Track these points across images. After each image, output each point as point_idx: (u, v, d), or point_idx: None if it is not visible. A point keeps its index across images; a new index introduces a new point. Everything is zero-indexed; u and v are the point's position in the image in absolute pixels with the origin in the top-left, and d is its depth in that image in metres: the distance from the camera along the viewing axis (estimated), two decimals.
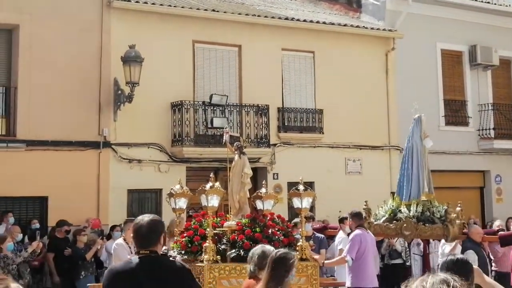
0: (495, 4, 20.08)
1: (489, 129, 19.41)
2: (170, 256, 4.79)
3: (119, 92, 14.19)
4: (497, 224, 12.22)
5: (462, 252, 9.83)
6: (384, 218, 10.67)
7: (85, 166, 13.99)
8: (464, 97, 19.61)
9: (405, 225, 10.33)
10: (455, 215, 10.34)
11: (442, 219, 10.29)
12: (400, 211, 10.60)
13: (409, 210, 10.43)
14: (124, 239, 9.39)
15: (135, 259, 4.46)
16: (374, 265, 10.02)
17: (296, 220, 11.05)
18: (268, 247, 5.94)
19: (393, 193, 17.56)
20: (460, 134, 19.13)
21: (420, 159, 10.80)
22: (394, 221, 10.59)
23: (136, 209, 14.48)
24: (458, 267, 4.10)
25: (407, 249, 14.60)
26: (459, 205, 10.66)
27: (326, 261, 10.75)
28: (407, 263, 13.23)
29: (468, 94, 19.60)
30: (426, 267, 11.35)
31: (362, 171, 17.46)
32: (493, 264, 11.57)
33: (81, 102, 14.10)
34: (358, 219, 10.07)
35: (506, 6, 20.35)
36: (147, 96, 14.44)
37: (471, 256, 9.29)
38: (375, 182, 17.18)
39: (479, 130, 19.46)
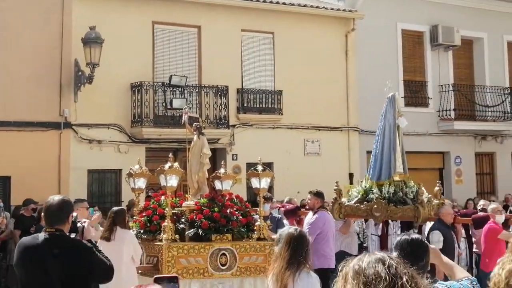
0: None
1: (450, 110, 20.34)
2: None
3: (80, 73, 15.02)
4: (481, 203, 12.20)
5: (429, 232, 10.31)
6: (356, 199, 10.86)
7: (47, 146, 14.90)
8: (424, 78, 20.50)
9: (375, 206, 10.41)
10: (427, 196, 10.49)
11: (414, 200, 10.31)
12: (372, 191, 10.64)
13: (381, 191, 10.44)
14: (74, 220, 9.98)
15: (42, 235, 4.95)
16: (334, 246, 10.69)
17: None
18: (295, 228, 6.41)
19: (351, 174, 18.66)
20: (420, 115, 19.96)
21: (392, 138, 10.85)
22: (365, 202, 10.78)
23: (96, 189, 15.40)
24: (412, 247, 4.22)
25: (364, 230, 15.43)
26: (437, 185, 10.99)
27: None
28: (364, 244, 13.83)
29: (428, 75, 20.50)
30: (383, 248, 11.50)
31: (320, 152, 18.48)
32: (474, 245, 12.02)
33: (42, 83, 14.92)
34: (322, 198, 10.81)
35: None
36: (107, 77, 15.33)
37: (436, 237, 9.86)
38: (333, 163, 18.22)
39: (439, 111, 20.38)
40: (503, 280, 3.18)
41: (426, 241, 4.41)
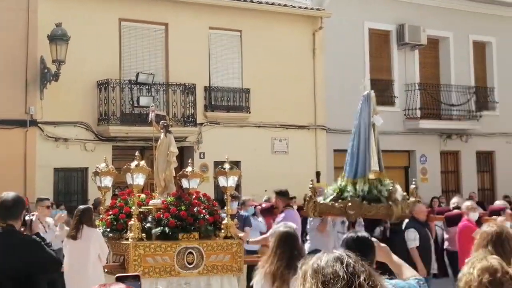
0: None
1: (415, 109, 20.65)
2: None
3: (46, 70, 14.99)
4: (454, 201, 12.29)
5: (404, 230, 10.44)
6: (331, 197, 10.82)
7: (12, 144, 14.87)
8: (391, 76, 20.77)
9: (349, 204, 10.40)
10: (402, 194, 10.52)
11: (389, 198, 10.56)
12: (347, 190, 10.76)
13: (356, 189, 10.52)
14: (38, 218, 9.98)
15: None
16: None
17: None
18: (288, 226, 6.26)
19: (318, 173, 18.87)
20: (386, 114, 19.70)
21: (367, 137, 10.85)
22: (340, 200, 10.71)
23: (63, 187, 15.38)
24: (357, 245, 4.25)
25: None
26: (413, 183, 11.12)
27: (251, 239, 11.58)
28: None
29: (395, 73, 20.77)
30: None
31: (288, 151, 18.70)
32: (445, 242, 12.33)
33: (8, 81, 14.90)
34: (285, 197, 10.96)
35: None
36: (73, 75, 15.34)
37: (411, 235, 10.08)
38: (300, 162, 18.45)
39: (405, 110, 20.66)
40: (475, 278, 3.18)
41: (372, 239, 4.42)
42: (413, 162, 21.16)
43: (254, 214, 13.14)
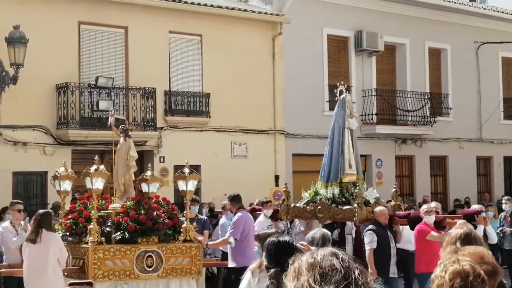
0: None
1: (372, 114, 20.90)
2: None
3: (4, 73, 14.89)
4: (432, 205, 12.09)
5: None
6: (306, 200, 11.15)
7: None
8: (348, 82, 20.75)
9: (319, 207, 10.73)
10: (376, 197, 10.76)
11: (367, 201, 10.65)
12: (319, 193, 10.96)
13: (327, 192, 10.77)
14: (11, 222, 10.01)
15: None
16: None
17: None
18: (325, 230, 6.41)
19: (277, 177, 19.08)
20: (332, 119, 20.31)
21: (341, 140, 11.16)
22: (311, 203, 10.95)
23: (22, 191, 15.22)
24: (276, 249, 4.39)
25: (289, 229, 15.90)
26: (394, 186, 11.29)
27: (210, 242, 11.74)
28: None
29: (352, 79, 20.94)
30: None
31: (247, 155, 18.83)
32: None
33: None
34: (237, 202, 11.10)
35: None
36: (32, 78, 15.20)
37: (368, 238, 10.19)
38: (260, 166, 18.66)
39: (362, 115, 20.84)
40: (447, 282, 3.16)
41: (295, 244, 4.50)
42: (369, 166, 21.36)
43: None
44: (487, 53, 24.37)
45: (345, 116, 11.44)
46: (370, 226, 10.37)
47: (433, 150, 22.97)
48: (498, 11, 24.62)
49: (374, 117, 20.91)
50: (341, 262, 2.51)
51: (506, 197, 15.26)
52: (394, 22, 21.71)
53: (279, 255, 4.35)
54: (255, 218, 12.07)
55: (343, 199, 10.82)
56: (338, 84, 12.05)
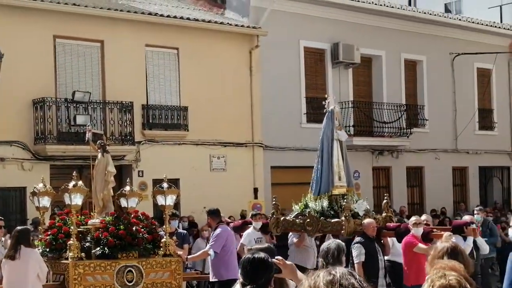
0: (357, 1, 21.37)
1: (349, 126, 20.79)
2: None
3: None
4: (423, 218, 11.96)
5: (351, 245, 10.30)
6: (295, 213, 11.14)
7: None
8: (325, 94, 20.91)
9: (308, 220, 10.72)
10: (367, 209, 10.77)
11: (357, 213, 10.61)
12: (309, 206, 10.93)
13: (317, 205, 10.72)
14: None
15: None
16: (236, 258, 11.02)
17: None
18: (339, 241, 6.41)
19: (256, 189, 19.13)
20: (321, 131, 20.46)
21: (330, 152, 11.10)
22: (300, 216, 10.91)
23: (1, 207, 15.10)
24: (252, 266, 4.36)
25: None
26: (385, 198, 11.27)
27: (189, 256, 11.75)
28: None
29: (329, 91, 20.53)
30: None
31: (226, 168, 18.83)
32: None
33: None
34: (217, 216, 11.04)
35: (369, 3, 21.71)
36: (8, 93, 15.10)
37: (356, 251, 10.11)
38: (239, 179, 18.67)
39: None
40: None
41: (270, 261, 4.45)
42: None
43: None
44: (463, 64, 24.55)
45: (334, 128, 11.44)
46: (358, 239, 10.33)
47: (410, 161, 23.08)
48: (473, 22, 24.79)
49: (351, 129, 20.86)
50: (359, 283, 2.55)
51: (478, 207, 15.39)
52: (370, 34, 21.80)
53: (255, 272, 4.37)
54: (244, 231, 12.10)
55: (332, 212, 10.82)
56: (326, 95, 12.22)
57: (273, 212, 11.35)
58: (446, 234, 9.21)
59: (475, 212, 14.84)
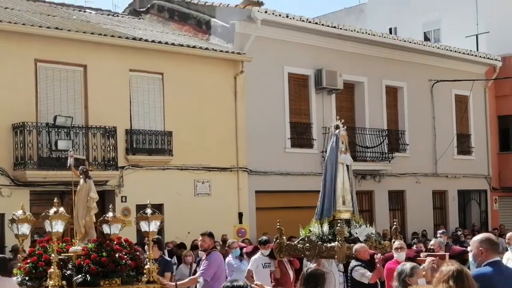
0: (340, 28, 21.25)
1: None
2: None
3: None
4: (432, 243, 11.57)
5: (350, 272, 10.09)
6: (300, 238, 10.85)
7: None
8: (309, 120, 20.72)
9: (307, 245, 10.42)
10: (369, 233, 10.46)
11: (351, 238, 10.41)
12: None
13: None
14: None
15: None
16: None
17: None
18: (414, 263, 6.12)
19: (240, 214, 18.66)
20: (305, 155, 20.25)
21: (334, 176, 10.82)
22: (301, 241, 10.69)
23: None
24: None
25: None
26: (394, 224, 10.87)
27: (178, 282, 11.13)
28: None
29: (313, 117, 20.72)
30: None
31: (211, 193, 18.23)
32: None
33: None
34: (213, 238, 10.48)
35: (351, 31, 21.64)
36: None
37: (360, 270, 9.74)
38: (223, 203, 18.11)
39: (323, 151, 20.38)
40: None
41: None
42: None
43: (241, 255, 12.75)
44: (441, 90, 24.73)
45: (338, 152, 11.04)
46: (355, 263, 9.98)
47: (391, 185, 23.01)
48: (451, 50, 24.96)
49: None
50: None
51: (441, 231, 15.42)
52: (353, 61, 21.73)
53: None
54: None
55: (330, 237, 10.48)
56: (336, 118, 11.98)
57: (276, 237, 10.89)
58: (429, 259, 8.84)
59: (438, 235, 14.87)
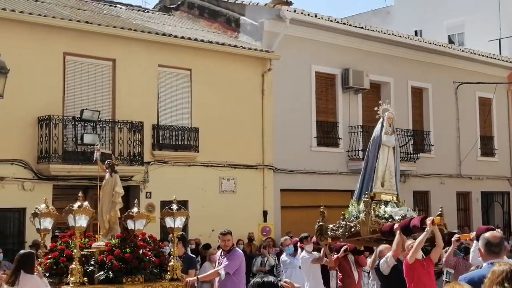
0: (367, 29, 20.77)
1: (358, 150, 19.95)
2: None
3: None
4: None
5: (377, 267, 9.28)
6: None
7: None
8: (335, 119, 20.14)
9: (342, 222, 10.12)
10: (393, 214, 9.92)
11: (385, 216, 10.00)
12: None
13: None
14: None
15: None
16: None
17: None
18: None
19: (265, 212, 18.07)
20: (331, 154, 19.67)
21: (375, 156, 10.46)
22: (338, 222, 10.34)
23: None
24: None
25: (278, 265, 14.77)
26: (440, 210, 9.96)
27: (200, 276, 10.56)
28: (279, 278, 13.37)
29: (339, 116, 20.14)
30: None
31: (236, 190, 17.51)
32: None
33: None
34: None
35: (378, 32, 21.16)
36: (11, 110, 13.63)
37: (384, 262, 8.84)
38: (248, 201, 17.41)
39: (348, 151, 20.01)
40: None
41: (280, 285, 4.18)
42: None
43: (295, 251, 12.12)
44: (465, 92, 24.22)
45: (382, 133, 10.58)
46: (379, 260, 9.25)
47: (416, 186, 22.32)
48: (474, 54, 24.49)
49: (360, 153, 19.87)
50: None
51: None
52: (380, 61, 21.21)
53: None
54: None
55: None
56: (379, 101, 11.42)
57: (318, 221, 10.34)
58: (472, 234, 8.56)
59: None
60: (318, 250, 11.06)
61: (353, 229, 9.93)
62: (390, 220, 9.79)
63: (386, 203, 10.22)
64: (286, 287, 4.31)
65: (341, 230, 10.06)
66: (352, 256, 11.08)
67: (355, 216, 10.11)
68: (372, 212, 9.85)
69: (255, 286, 4.11)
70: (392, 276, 8.72)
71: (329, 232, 10.34)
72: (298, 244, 11.90)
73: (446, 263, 10.39)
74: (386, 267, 8.84)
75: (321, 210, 10.54)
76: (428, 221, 8.53)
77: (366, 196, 10.13)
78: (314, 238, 10.88)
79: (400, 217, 9.88)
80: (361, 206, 10.01)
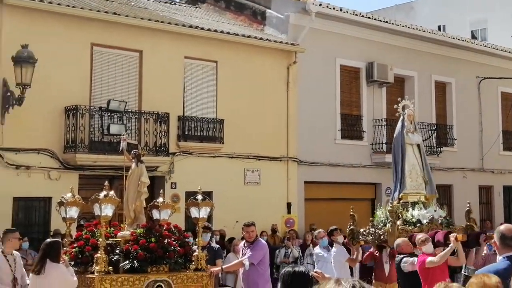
0: (392, 23, 20.40)
1: (382, 143, 19.56)
2: None
3: (8, 94, 13.01)
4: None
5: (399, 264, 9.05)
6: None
7: None
8: (360, 112, 19.73)
9: (371, 229, 9.96)
10: (420, 217, 9.73)
11: (412, 221, 9.84)
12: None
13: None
14: (3, 252, 8.31)
15: None
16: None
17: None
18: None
19: (289, 204, 17.78)
20: (355, 147, 19.27)
21: (402, 155, 10.22)
22: (368, 226, 10.23)
23: (23, 218, 13.39)
24: (292, 279, 4.07)
25: (301, 257, 14.47)
26: (468, 206, 9.88)
27: (224, 266, 10.35)
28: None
29: (363, 109, 19.72)
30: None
31: (260, 182, 17.14)
32: None
33: None
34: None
35: (402, 26, 20.78)
36: (39, 99, 13.38)
37: (408, 260, 8.64)
38: (272, 193, 17.06)
39: (372, 144, 19.59)
40: None
41: (310, 274, 4.18)
42: (379, 194, 19.96)
43: (330, 244, 11.77)
44: (488, 87, 23.74)
45: (404, 132, 10.31)
46: (400, 256, 8.89)
47: (439, 179, 21.47)
48: (497, 49, 24.00)
49: (384, 146, 19.53)
50: None
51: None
52: (404, 55, 20.77)
53: (295, 285, 4.06)
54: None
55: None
56: (399, 99, 11.03)
57: (349, 224, 10.08)
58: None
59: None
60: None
61: (382, 237, 9.72)
62: (418, 225, 9.53)
63: (413, 205, 9.88)
64: (316, 277, 4.34)
65: (371, 237, 9.85)
66: (388, 248, 10.70)
67: (383, 223, 9.85)
68: (400, 216, 9.58)
69: (286, 276, 4.09)
70: (414, 274, 8.49)
71: (360, 237, 10.15)
72: (328, 237, 11.61)
73: (475, 264, 9.95)
74: (410, 267, 8.58)
75: (351, 213, 10.30)
76: (452, 237, 8.37)
77: (391, 205, 9.75)
78: (346, 239, 10.67)
79: (428, 220, 9.65)
80: (387, 213, 9.78)
